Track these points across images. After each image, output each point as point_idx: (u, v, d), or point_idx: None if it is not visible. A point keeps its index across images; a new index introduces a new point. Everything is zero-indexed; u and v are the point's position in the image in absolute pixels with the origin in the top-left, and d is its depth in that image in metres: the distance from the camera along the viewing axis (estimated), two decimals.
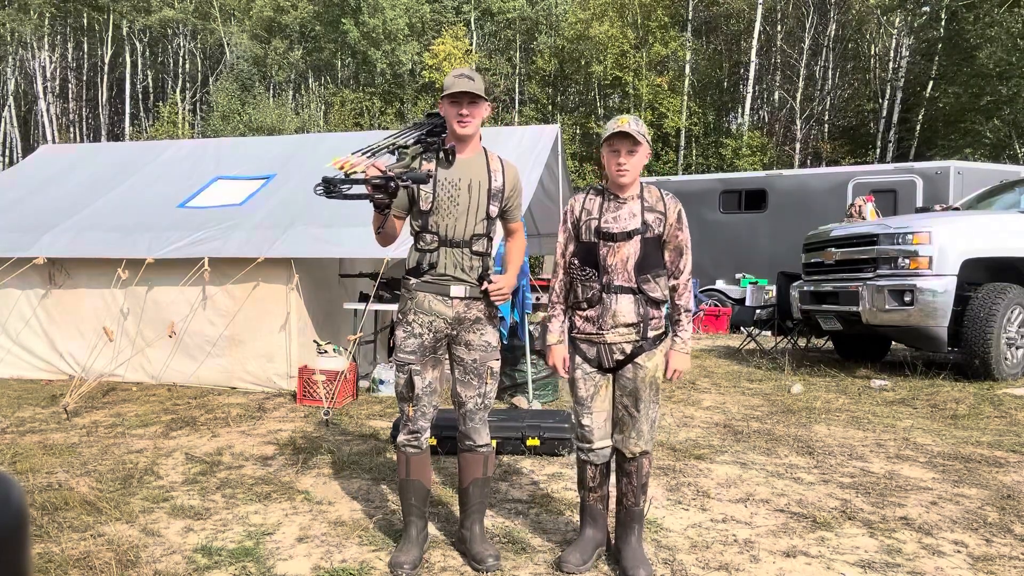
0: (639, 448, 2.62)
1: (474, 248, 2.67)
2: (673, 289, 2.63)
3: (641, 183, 2.65)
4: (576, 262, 2.64)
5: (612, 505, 2.80)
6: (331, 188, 2.33)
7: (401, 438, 2.73)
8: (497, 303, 2.73)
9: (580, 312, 2.63)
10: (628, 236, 2.55)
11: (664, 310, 2.63)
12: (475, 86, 2.58)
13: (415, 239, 2.70)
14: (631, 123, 2.52)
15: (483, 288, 2.68)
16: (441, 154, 2.61)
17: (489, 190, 2.68)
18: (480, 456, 2.75)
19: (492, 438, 4.03)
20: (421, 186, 2.61)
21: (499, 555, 2.65)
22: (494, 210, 2.71)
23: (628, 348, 2.57)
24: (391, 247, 2.81)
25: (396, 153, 2.60)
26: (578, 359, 2.65)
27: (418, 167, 2.57)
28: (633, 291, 2.56)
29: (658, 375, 2.62)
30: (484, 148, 2.76)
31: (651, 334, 2.58)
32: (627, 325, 2.56)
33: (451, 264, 2.65)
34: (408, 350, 2.67)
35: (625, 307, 2.55)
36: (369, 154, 2.53)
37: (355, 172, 2.38)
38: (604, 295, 2.57)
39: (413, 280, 2.68)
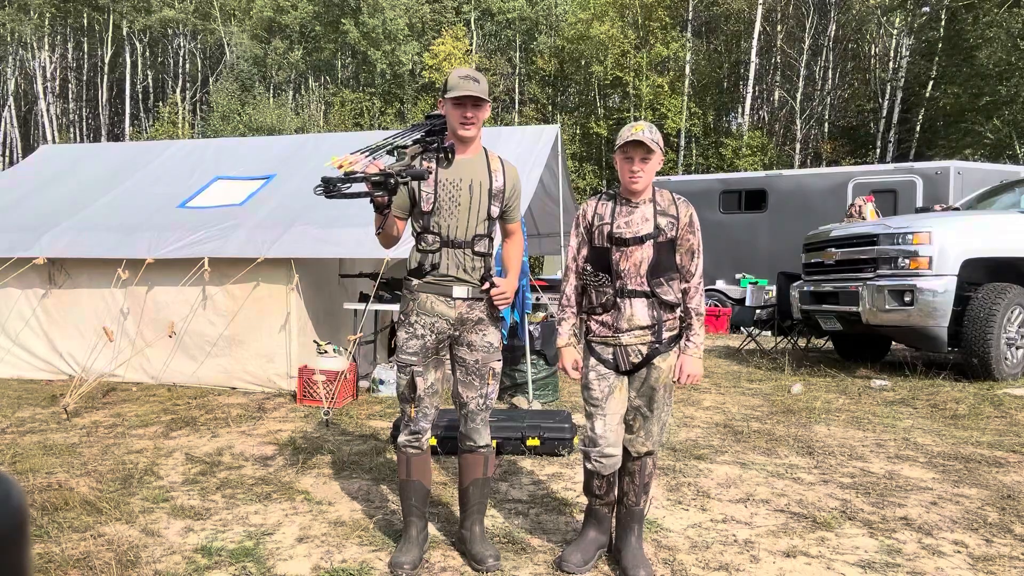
0: (646, 448, 2.62)
1: (476, 248, 2.66)
2: (684, 292, 2.61)
3: (654, 187, 2.65)
4: (589, 268, 2.63)
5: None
6: (330, 187, 2.31)
7: (402, 439, 2.72)
8: (500, 307, 2.72)
9: (595, 317, 2.62)
10: (640, 240, 2.54)
11: (678, 312, 2.62)
12: (480, 89, 2.57)
13: (416, 240, 2.69)
14: (645, 131, 2.50)
15: (484, 288, 2.67)
16: (441, 153, 2.60)
17: (490, 190, 2.67)
18: (480, 456, 2.75)
19: (492, 438, 4.03)
20: (422, 187, 2.61)
21: (499, 555, 2.65)
22: (495, 210, 2.70)
23: (644, 350, 2.57)
24: (392, 248, 2.80)
25: (395, 153, 2.59)
26: (592, 360, 2.63)
27: (418, 166, 2.57)
28: (646, 295, 2.55)
29: (672, 376, 2.62)
30: (484, 148, 2.75)
31: (666, 336, 2.57)
32: (642, 328, 2.56)
33: (453, 265, 2.64)
34: (410, 351, 2.66)
35: (639, 311, 2.55)
36: (368, 154, 2.52)
37: (354, 171, 2.37)
38: (618, 299, 2.56)
39: (415, 281, 2.67)
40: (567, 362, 2.68)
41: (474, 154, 2.69)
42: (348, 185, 2.33)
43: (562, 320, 2.71)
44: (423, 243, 2.66)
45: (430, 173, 2.56)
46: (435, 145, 2.60)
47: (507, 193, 2.73)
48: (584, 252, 2.66)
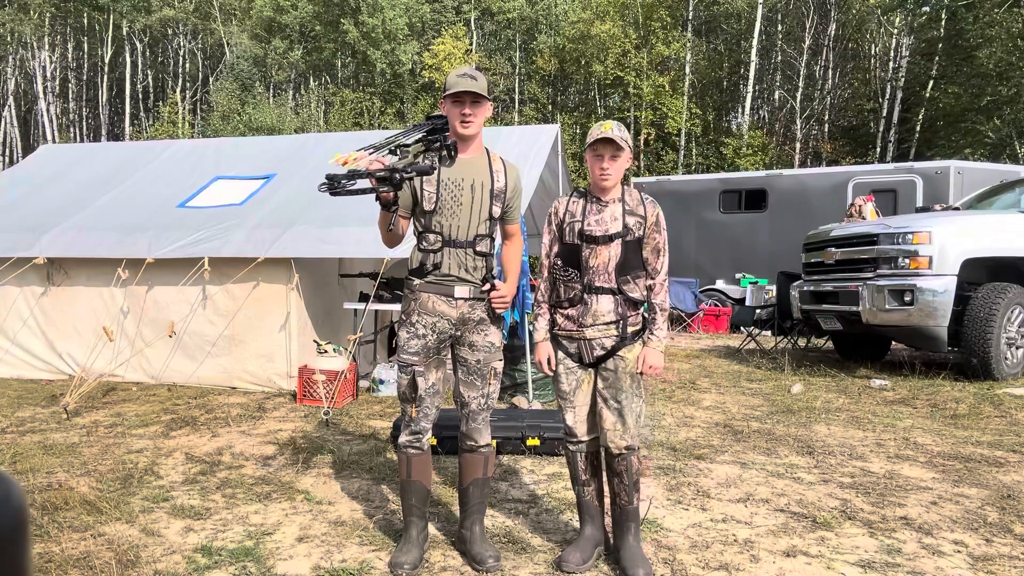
0: (624, 442, 2.63)
1: (477, 248, 2.67)
2: (649, 288, 2.70)
3: (623, 186, 2.71)
4: (559, 263, 2.71)
5: (609, 505, 2.80)
6: (335, 184, 2.31)
7: (403, 439, 2.72)
8: (498, 311, 2.73)
9: (562, 310, 2.71)
10: (609, 239, 2.62)
11: (641, 309, 2.71)
12: (478, 85, 2.57)
13: (418, 239, 2.69)
14: (614, 129, 2.58)
15: (484, 289, 2.68)
16: (444, 152, 2.61)
17: (492, 190, 2.68)
18: (481, 457, 2.75)
19: (492, 438, 4.03)
20: (424, 186, 2.61)
21: (499, 555, 2.65)
22: (497, 211, 2.71)
23: (608, 343, 2.64)
24: (397, 247, 2.80)
25: (398, 152, 2.60)
26: (560, 354, 2.72)
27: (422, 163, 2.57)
28: (613, 291, 2.63)
29: (636, 368, 2.66)
30: (486, 148, 2.76)
31: (629, 331, 2.65)
32: (606, 323, 2.63)
33: (455, 265, 2.65)
34: (411, 351, 2.66)
35: (605, 306, 2.63)
36: (372, 152, 2.53)
37: (358, 168, 2.37)
38: (585, 295, 2.64)
39: (417, 281, 2.67)
40: (542, 356, 2.75)
41: (476, 154, 2.70)
42: (353, 182, 2.34)
43: (539, 316, 2.78)
44: (425, 242, 2.65)
45: (435, 168, 2.57)
46: (437, 144, 2.61)
47: (508, 194, 2.73)
48: (555, 249, 2.74)
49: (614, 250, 2.61)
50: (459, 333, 2.69)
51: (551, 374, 2.76)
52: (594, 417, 2.70)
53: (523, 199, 6.02)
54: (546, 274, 2.77)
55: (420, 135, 2.67)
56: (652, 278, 2.69)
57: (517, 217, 2.86)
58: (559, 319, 2.71)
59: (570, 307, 2.67)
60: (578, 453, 2.74)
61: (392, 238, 2.67)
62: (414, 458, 2.72)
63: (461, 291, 2.65)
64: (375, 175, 2.34)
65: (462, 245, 2.65)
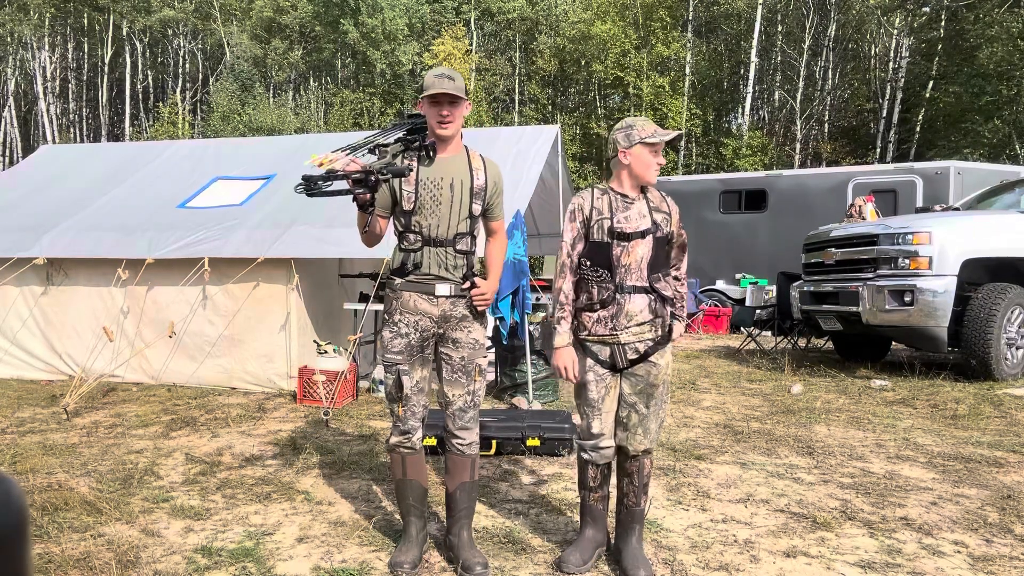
0: (644, 446, 2.62)
1: (458, 247, 2.66)
2: (676, 280, 2.75)
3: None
4: (588, 263, 2.60)
5: (612, 505, 2.80)
6: (311, 186, 2.32)
7: (393, 440, 2.72)
8: (479, 308, 2.72)
9: (591, 313, 2.58)
10: (642, 235, 2.56)
11: (669, 308, 2.67)
12: (455, 86, 2.56)
13: (399, 239, 2.69)
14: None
15: (465, 287, 2.67)
16: (422, 152, 2.61)
17: (471, 188, 2.67)
18: (467, 460, 2.72)
19: (492, 438, 4.04)
20: (403, 186, 2.61)
21: (488, 563, 2.59)
22: (477, 208, 2.69)
23: (642, 347, 2.57)
24: (378, 246, 2.81)
25: (377, 152, 2.61)
26: (590, 361, 2.60)
27: (399, 164, 2.58)
28: (646, 290, 2.57)
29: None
30: (465, 146, 2.75)
31: (663, 332, 2.61)
32: (640, 324, 2.57)
33: (435, 264, 2.64)
34: (395, 350, 2.66)
35: (639, 306, 2.56)
36: (350, 152, 2.53)
37: (334, 169, 2.38)
38: (618, 295, 2.55)
39: (398, 280, 2.68)
40: (566, 362, 2.59)
41: (455, 152, 2.69)
42: (329, 183, 2.34)
43: (561, 319, 2.62)
44: (405, 242, 2.66)
45: (411, 170, 2.57)
46: (416, 143, 2.61)
47: (488, 191, 2.72)
48: (580, 247, 2.62)
49: (646, 247, 2.56)
50: (442, 331, 2.69)
51: (574, 381, 2.63)
52: (614, 422, 2.65)
53: (523, 199, 6.04)
54: (569, 275, 2.63)
55: (399, 134, 2.68)
56: (677, 270, 2.74)
57: (500, 214, 2.83)
58: (588, 323, 2.59)
59: (601, 308, 2.56)
60: (590, 464, 2.65)
61: (370, 238, 2.67)
62: (407, 457, 2.71)
63: (442, 289, 2.64)
64: (351, 176, 2.35)
65: (443, 244, 2.64)
